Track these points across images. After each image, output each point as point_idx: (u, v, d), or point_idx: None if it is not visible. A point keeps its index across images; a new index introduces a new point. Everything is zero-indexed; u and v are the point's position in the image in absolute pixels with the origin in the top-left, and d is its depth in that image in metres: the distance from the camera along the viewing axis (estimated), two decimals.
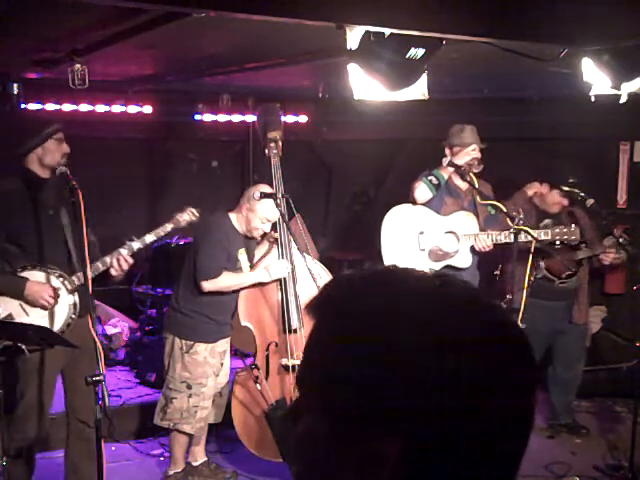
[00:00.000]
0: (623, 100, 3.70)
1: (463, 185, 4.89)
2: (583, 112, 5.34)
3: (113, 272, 3.98)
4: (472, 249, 4.77)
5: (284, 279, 4.51)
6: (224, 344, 4.54)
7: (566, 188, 5.09)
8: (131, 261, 3.99)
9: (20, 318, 3.79)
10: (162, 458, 5.06)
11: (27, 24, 3.41)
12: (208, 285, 4.29)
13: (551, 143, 6.62)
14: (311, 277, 4.18)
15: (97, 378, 3.06)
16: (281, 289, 4.53)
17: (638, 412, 4.58)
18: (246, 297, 4.52)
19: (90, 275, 3.52)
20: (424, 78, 3.34)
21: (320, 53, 3.87)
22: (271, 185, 4.54)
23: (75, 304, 3.87)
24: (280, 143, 4.74)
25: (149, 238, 4.06)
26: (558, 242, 4.77)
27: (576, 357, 5.49)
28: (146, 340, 6.28)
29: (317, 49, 3.83)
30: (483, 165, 4.81)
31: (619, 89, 3.57)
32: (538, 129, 6.58)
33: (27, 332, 3.56)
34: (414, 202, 4.77)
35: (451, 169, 4.76)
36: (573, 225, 4.80)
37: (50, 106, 6.08)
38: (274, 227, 4.53)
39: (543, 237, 4.68)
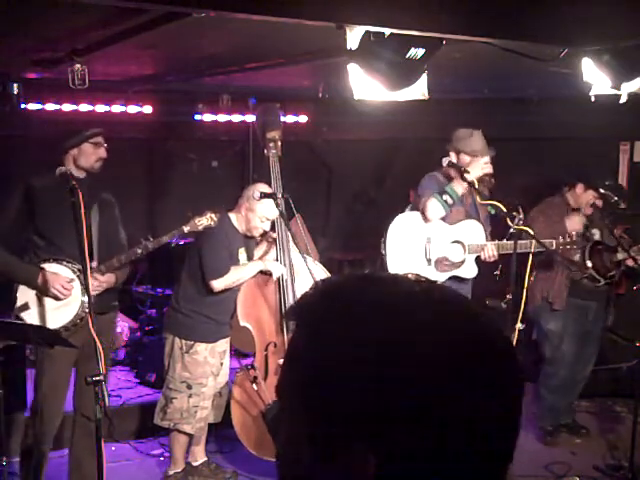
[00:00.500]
0: (623, 100, 3.69)
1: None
2: (583, 112, 5.32)
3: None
4: (477, 258, 4.66)
5: (282, 279, 4.52)
6: (224, 344, 4.54)
7: (602, 190, 5.10)
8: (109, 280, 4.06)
9: (34, 307, 3.87)
10: (162, 458, 5.06)
11: (27, 24, 3.40)
12: (218, 284, 4.31)
13: (551, 143, 6.62)
14: (311, 278, 4.19)
15: (97, 378, 3.07)
16: (280, 289, 4.54)
17: (638, 412, 4.58)
18: (245, 297, 4.53)
19: (89, 272, 3.54)
20: (424, 78, 3.34)
21: (320, 53, 3.86)
22: (270, 185, 4.55)
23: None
24: (279, 143, 4.74)
25: (165, 239, 4.09)
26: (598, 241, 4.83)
27: (593, 360, 5.51)
28: (146, 340, 6.29)
29: (317, 49, 3.83)
30: (495, 181, 4.62)
31: (619, 89, 3.56)
32: (538, 129, 6.57)
33: (27, 332, 3.57)
34: (425, 218, 4.54)
35: (465, 184, 4.50)
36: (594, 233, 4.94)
37: (50, 106, 6.07)
38: (272, 227, 4.54)
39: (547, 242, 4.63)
